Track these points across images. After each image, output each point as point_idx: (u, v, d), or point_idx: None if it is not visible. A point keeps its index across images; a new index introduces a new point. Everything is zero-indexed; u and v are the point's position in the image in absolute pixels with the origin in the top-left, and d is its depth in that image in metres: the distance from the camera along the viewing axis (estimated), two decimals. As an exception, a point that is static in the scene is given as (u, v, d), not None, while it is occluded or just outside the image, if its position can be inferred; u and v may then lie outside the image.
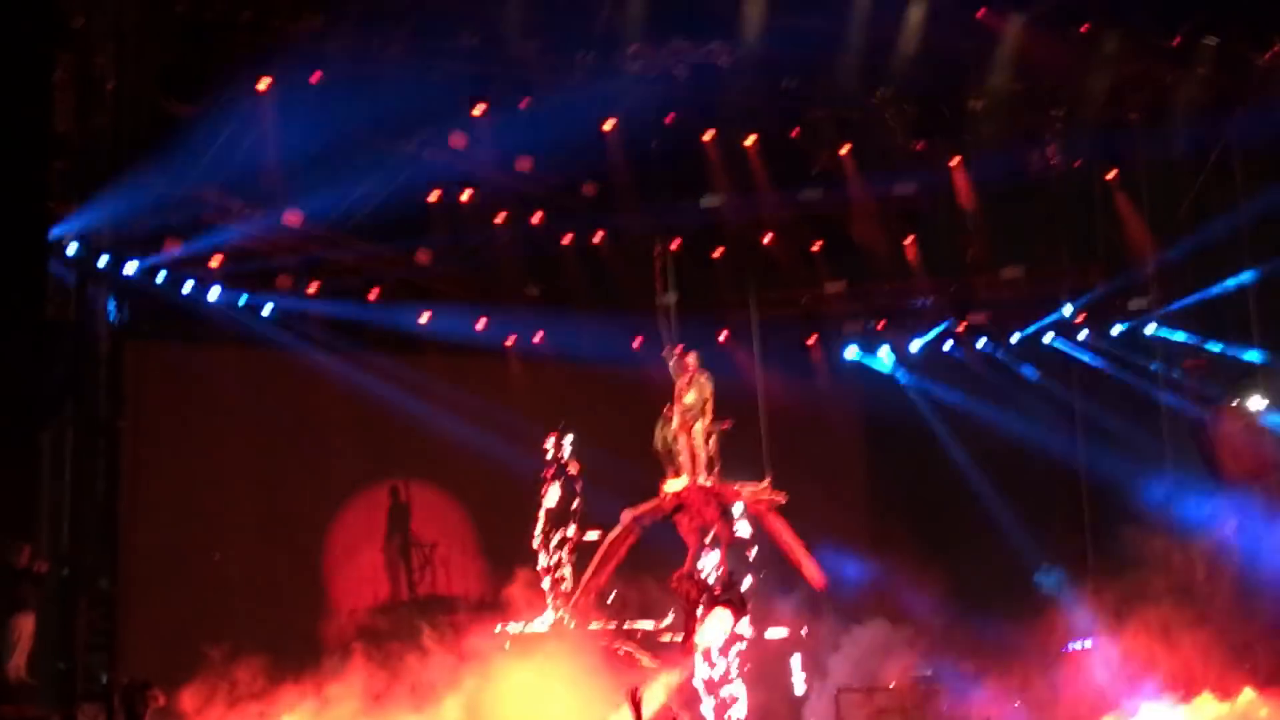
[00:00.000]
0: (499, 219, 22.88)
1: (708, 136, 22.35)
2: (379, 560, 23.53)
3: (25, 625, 17.55)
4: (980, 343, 25.23)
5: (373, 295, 22.57)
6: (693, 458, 19.00)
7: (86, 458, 17.96)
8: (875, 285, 24.93)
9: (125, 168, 18.13)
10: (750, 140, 22.47)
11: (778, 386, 24.73)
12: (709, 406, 19.09)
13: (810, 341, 25.80)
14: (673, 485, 19.04)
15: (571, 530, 20.38)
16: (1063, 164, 22.50)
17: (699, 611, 18.44)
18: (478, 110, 20.53)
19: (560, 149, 21.43)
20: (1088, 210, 22.92)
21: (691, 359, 19.30)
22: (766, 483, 19.00)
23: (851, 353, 26.26)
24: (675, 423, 19.02)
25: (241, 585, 21.93)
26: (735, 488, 19.08)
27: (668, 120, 21.65)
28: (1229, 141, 21.37)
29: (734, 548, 19.12)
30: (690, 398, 19.10)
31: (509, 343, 24.17)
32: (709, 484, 18.93)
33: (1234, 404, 21.95)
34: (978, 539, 22.57)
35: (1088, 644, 21.91)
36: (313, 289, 21.96)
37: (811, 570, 18.75)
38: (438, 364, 23.20)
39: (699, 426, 19.13)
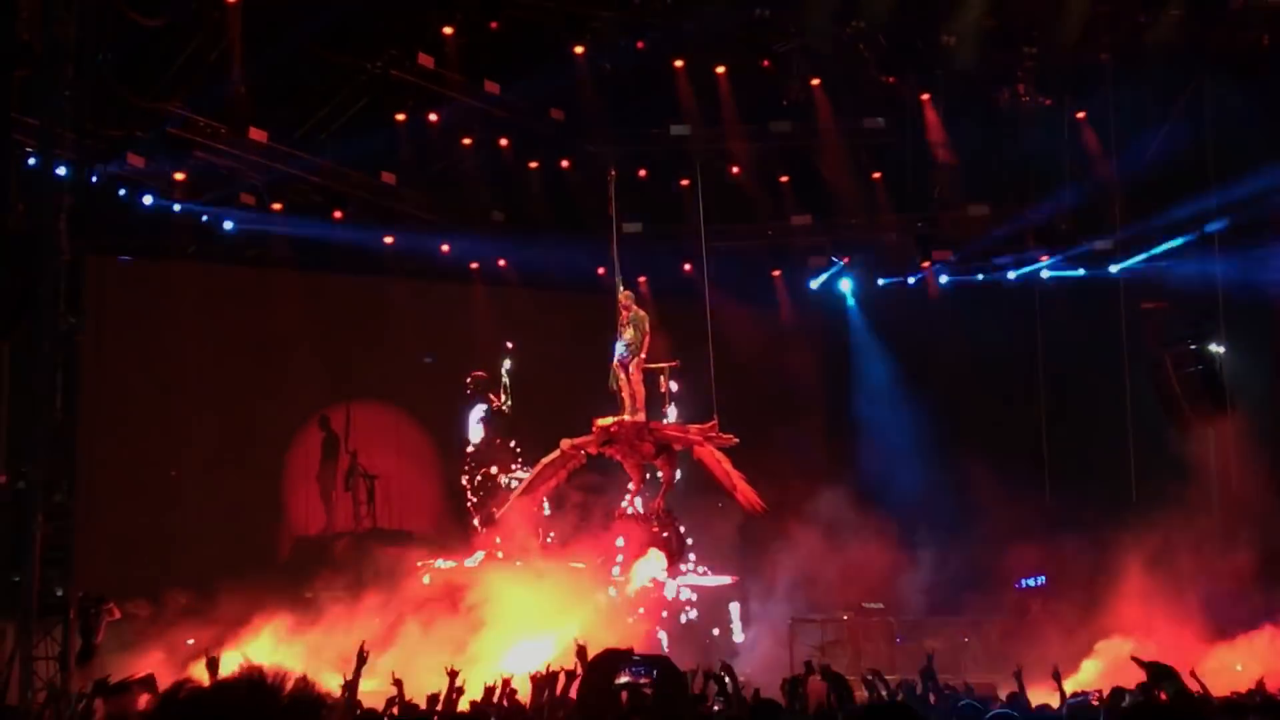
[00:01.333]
0: (466, 142, 22.69)
1: (678, 64, 22.18)
2: (335, 484, 23.52)
3: (-19, 538, 17.55)
4: (945, 279, 25.29)
5: (337, 215, 22.38)
6: (632, 394, 19.21)
7: (45, 370, 17.82)
8: (842, 220, 24.90)
9: (88, 79, 17.88)
10: (721, 70, 22.34)
11: (743, 318, 24.78)
12: (646, 343, 19.34)
13: (775, 274, 25.79)
14: (605, 420, 19.27)
15: (495, 469, 20.51)
16: (1033, 101, 22.44)
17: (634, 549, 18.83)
18: (447, 30, 20.30)
19: (529, 73, 21.27)
20: (1056, 149, 22.89)
21: (626, 297, 19.53)
22: (713, 423, 19.14)
23: (816, 286, 26.30)
24: (614, 359, 19.31)
25: (198, 501, 21.94)
26: (677, 426, 19.28)
27: (639, 46, 21.45)
28: (1198, 84, 21.39)
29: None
30: (628, 335, 19.35)
31: (473, 266, 24.09)
32: (642, 419, 19.17)
33: (1192, 346, 22.14)
34: (937, 475, 22.72)
35: (1040, 580, 22.24)
36: (277, 206, 21.74)
37: (748, 496, 18.95)
38: (401, 286, 23.12)
39: (634, 363, 19.39)
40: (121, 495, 20.92)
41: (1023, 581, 22.89)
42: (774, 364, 24.81)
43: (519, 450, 21.30)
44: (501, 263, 24.42)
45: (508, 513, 19.74)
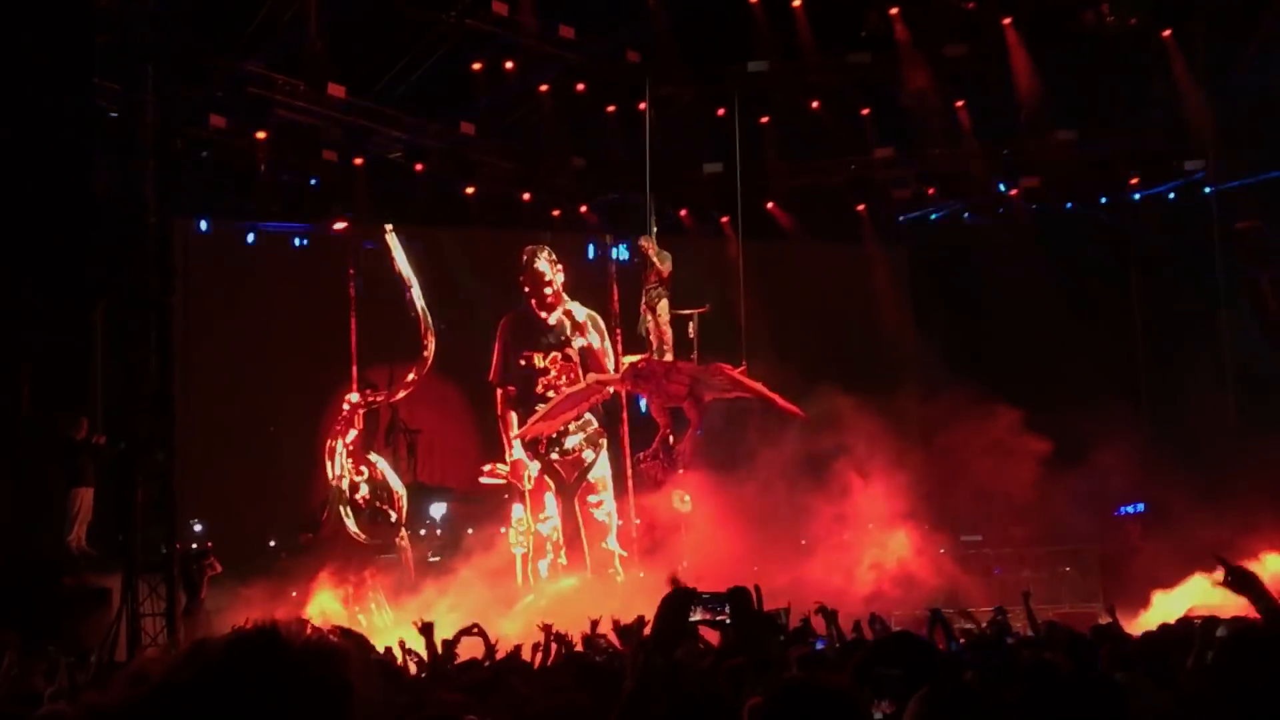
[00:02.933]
0: (542, 89, 22.63)
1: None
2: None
3: (85, 497, 17.92)
4: (1033, 207, 24.90)
5: (418, 168, 22.43)
6: (658, 335, 19.45)
7: (138, 334, 18.10)
8: (925, 151, 24.56)
9: (169, 43, 18.04)
10: (797, 2, 22.07)
11: (827, 255, 24.65)
12: (668, 283, 19.67)
13: (860, 209, 25.51)
14: (630, 357, 19.52)
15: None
16: (1118, 22, 21.97)
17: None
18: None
19: (603, 16, 21.15)
20: (1143, 70, 22.41)
21: (645, 241, 19.80)
22: (743, 368, 19.38)
23: (902, 219, 26.00)
24: (642, 302, 19.59)
25: (293, 458, 22.18)
26: (708, 365, 19.49)
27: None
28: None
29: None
30: (653, 277, 19.75)
31: (555, 214, 24.06)
32: (669, 359, 19.38)
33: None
34: (1031, 405, 22.43)
35: (1140, 508, 21.95)
36: (358, 161, 21.83)
37: (788, 406, 19.21)
38: (484, 236, 23.12)
39: (663, 305, 19.60)
40: (217, 453, 21.20)
41: (1122, 509, 22.64)
42: (862, 301, 24.63)
43: None
44: (583, 209, 24.36)
45: (524, 434, 20.00)
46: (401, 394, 21.13)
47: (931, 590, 18.81)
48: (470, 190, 23.12)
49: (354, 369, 21.47)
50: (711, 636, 7.34)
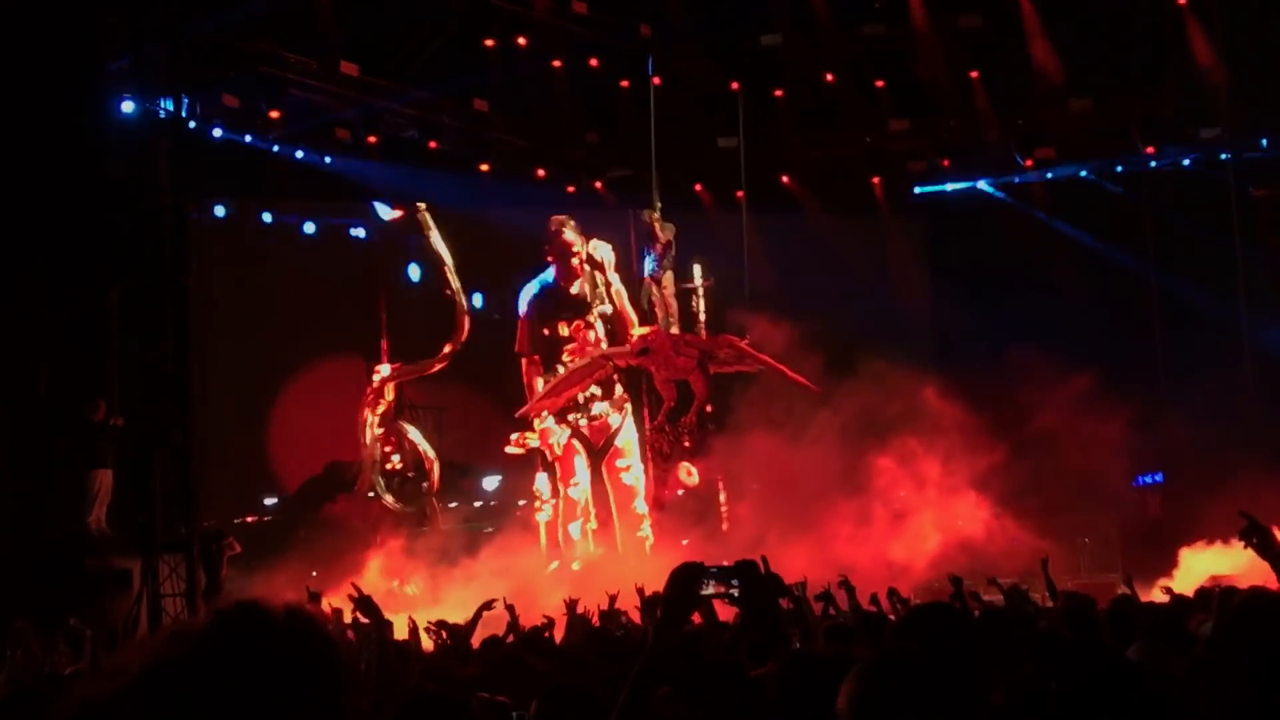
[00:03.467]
0: (556, 64, 22.59)
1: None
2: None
3: (104, 479, 18.00)
4: (1048, 176, 24.80)
5: (432, 145, 22.41)
6: (664, 307, 19.50)
7: (154, 315, 18.16)
8: (940, 122, 24.47)
9: (181, 22, 18.05)
10: (810, -26, 22.01)
11: (841, 228, 24.58)
12: (672, 253, 19.77)
13: (874, 181, 25.43)
14: (639, 329, 19.54)
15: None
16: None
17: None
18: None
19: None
20: (1159, 38, 22.28)
21: (647, 215, 19.89)
22: (746, 340, 19.38)
23: (916, 192, 25.92)
24: (647, 275, 19.68)
25: (307, 436, 22.22)
26: (717, 337, 19.52)
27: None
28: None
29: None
30: (658, 250, 19.86)
31: (570, 190, 24.04)
32: (676, 332, 19.40)
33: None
34: (1045, 375, 22.37)
35: (1158, 478, 21.91)
36: (372, 140, 21.82)
37: (799, 378, 19.12)
38: (499, 214, 23.07)
39: (667, 277, 19.71)
40: (233, 433, 21.23)
41: (1140, 479, 22.60)
42: (877, 273, 24.57)
43: None
44: (597, 185, 24.32)
45: (530, 411, 20.03)
46: (438, 367, 21.10)
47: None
48: (484, 167, 23.11)
49: (384, 342, 21.58)
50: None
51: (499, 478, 21.91)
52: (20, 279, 17.89)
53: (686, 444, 19.20)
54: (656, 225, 20.28)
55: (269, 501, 22.32)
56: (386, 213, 21.08)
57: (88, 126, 18.62)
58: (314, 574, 18.97)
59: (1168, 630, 7.01)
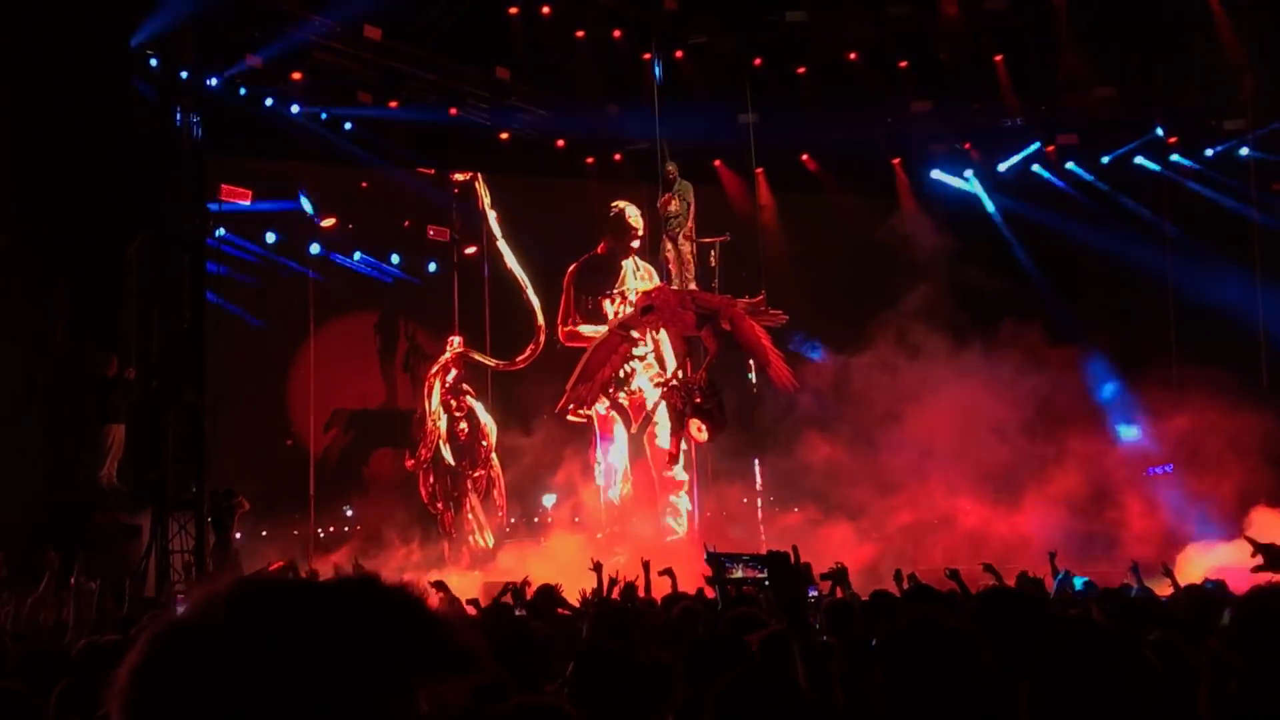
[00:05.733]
0: (579, 34, 22.52)
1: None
2: (394, 364, 23.83)
3: (116, 434, 18.10)
4: (1069, 164, 24.71)
5: (452, 111, 22.36)
6: (679, 264, 19.60)
7: (172, 272, 18.22)
8: (963, 105, 24.37)
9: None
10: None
11: (859, 209, 24.52)
12: (692, 213, 19.77)
13: (895, 163, 25.35)
14: (644, 285, 19.63)
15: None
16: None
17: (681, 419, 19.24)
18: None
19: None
20: (1183, 27, 22.16)
21: (671, 168, 19.97)
22: (761, 297, 19.36)
23: (937, 175, 25.82)
24: (664, 231, 19.74)
25: (320, 398, 22.29)
26: (721, 297, 19.53)
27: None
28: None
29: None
30: (674, 206, 19.85)
31: (589, 161, 23.98)
32: (690, 288, 19.49)
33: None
34: (1062, 361, 22.34)
35: (1168, 469, 21.87)
36: (393, 104, 21.77)
37: (781, 372, 19.06)
38: (517, 182, 23.06)
39: (681, 234, 19.79)
40: (245, 392, 21.25)
41: (1151, 470, 22.54)
42: (894, 254, 24.49)
43: None
44: (616, 156, 24.26)
45: (565, 404, 20.05)
46: (520, 362, 21.36)
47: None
48: (504, 136, 23.07)
49: (455, 316, 21.93)
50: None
51: (554, 496, 22.00)
52: (39, 232, 17.94)
53: (698, 400, 19.14)
54: (674, 178, 20.50)
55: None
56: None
57: (110, 85, 18.65)
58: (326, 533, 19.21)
59: (1184, 620, 7.02)
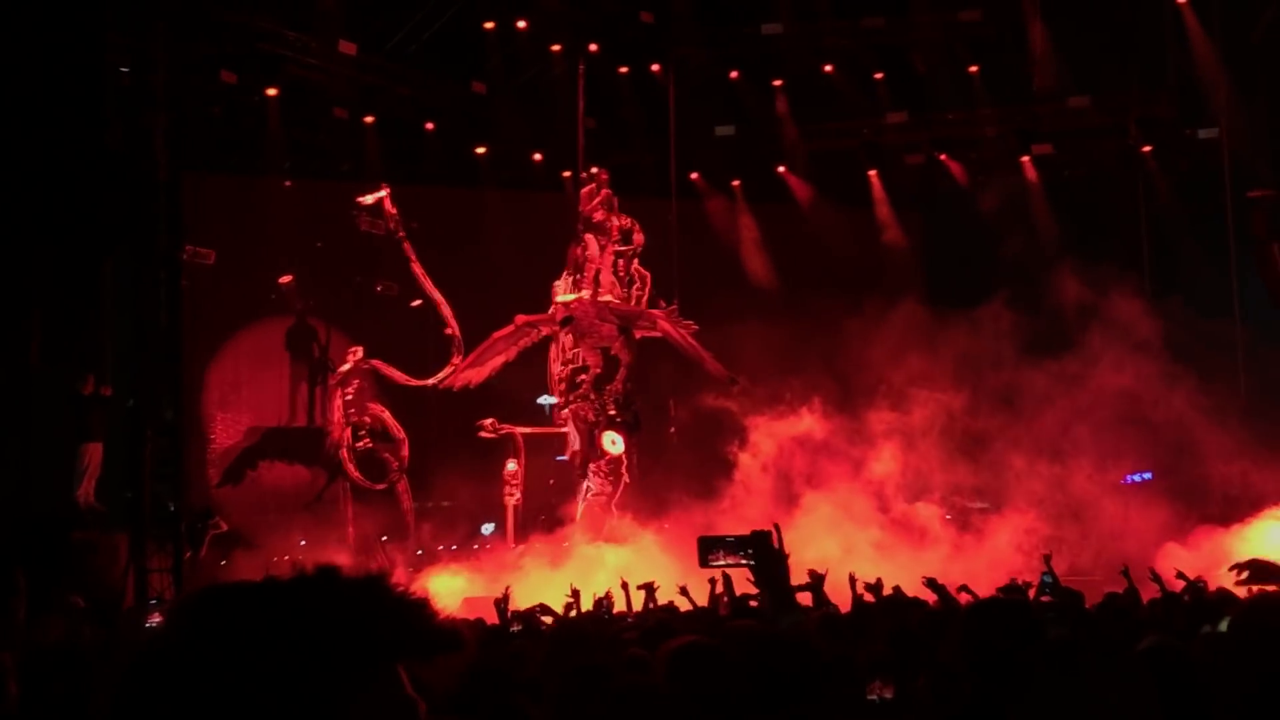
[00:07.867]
0: (555, 49, 22.48)
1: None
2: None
3: (94, 453, 17.90)
4: (1044, 172, 24.76)
5: (428, 127, 22.31)
6: (598, 272, 19.62)
7: (148, 288, 18.10)
8: (938, 115, 24.42)
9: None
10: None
11: (837, 219, 24.51)
12: (616, 226, 19.88)
13: (871, 174, 25.37)
14: (563, 296, 19.60)
15: None
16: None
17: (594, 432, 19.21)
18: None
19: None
20: (1158, 37, 22.25)
21: (596, 170, 20.07)
22: (674, 306, 19.37)
23: (913, 185, 25.83)
24: (579, 224, 19.80)
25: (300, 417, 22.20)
26: (636, 308, 19.60)
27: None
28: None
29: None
30: (599, 215, 19.90)
31: (566, 175, 23.94)
32: (605, 298, 19.49)
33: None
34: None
35: (1147, 476, 21.90)
36: (369, 120, 21.71)
37: (716, 367, 19.40)
38: (494, 197, 23.01)
39: (604, 244, 19.84)
40: (223, 411, 21.17)
41: (1129, 477, 22.56)
42: (872, 262, 24.52)
43: None
44: (594, 170, 24.21)
45: (454, 380, 20.01)
46: (443, 377, 21.08)
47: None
48: (481, 150, 23.01)
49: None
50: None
51: (493, 525, 21.81)
52: (14, 248, 17.79)
53: (611, 412, 19.19)
54: (600, 190, 20.50)
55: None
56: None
57: (84, 100, 18.51)
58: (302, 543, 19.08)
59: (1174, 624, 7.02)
